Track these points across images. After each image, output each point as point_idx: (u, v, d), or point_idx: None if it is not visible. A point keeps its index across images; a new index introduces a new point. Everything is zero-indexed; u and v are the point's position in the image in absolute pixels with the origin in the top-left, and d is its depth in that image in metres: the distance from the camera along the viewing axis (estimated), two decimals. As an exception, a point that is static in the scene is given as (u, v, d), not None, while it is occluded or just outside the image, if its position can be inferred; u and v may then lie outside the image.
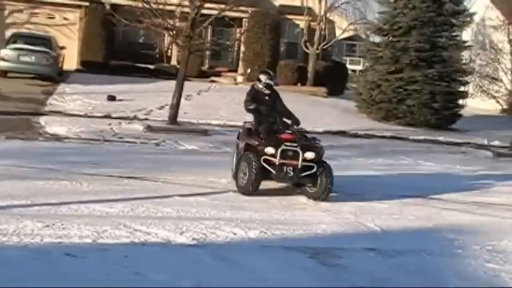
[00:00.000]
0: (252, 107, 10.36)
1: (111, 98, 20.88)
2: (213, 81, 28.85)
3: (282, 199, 9.90)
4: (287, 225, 8.20)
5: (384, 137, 20.32)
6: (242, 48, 29.97)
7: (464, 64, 22.42)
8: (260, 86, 10.54)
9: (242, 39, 28.11)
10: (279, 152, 9.69)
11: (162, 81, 24.54)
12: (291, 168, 9.77)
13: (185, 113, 19.04)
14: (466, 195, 11.68)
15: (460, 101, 23.56)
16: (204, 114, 20.37)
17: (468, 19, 23.78)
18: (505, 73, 19.15)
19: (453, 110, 23.09)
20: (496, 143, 20.06)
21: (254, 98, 10.44)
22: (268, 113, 10.38)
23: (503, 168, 16.11)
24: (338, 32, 34.80)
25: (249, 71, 29.20)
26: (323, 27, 30.84)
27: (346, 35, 38.60)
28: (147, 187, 9.82)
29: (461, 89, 23.28)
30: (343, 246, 7.46)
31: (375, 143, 18.90)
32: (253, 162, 9.65)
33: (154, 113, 19.58)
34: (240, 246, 7.05)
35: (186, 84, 18.49)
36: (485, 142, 19.91)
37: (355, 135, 20.04)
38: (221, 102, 22.91)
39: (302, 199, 9.99)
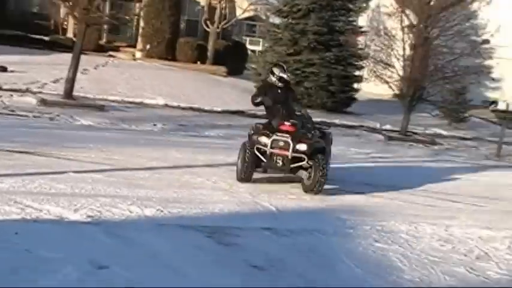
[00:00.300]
0: (257, 100, 10.41)
1: (2, 69, 20.06)
2: (111, 56, 28.25)
3: (180, 177, 9.85)
4: (184, 203, 8.17)
5: (282, 117, 20.56)
6: (141, 23, 29.46)
7: (360, 49, 22.97)
8: (273, 79, 10.51)
9: (141, 14, 27.60)
10: (269, 141, 9.85)
11: (57, 54, 23.79)
12: (281, 158, 9.87)
13: (81, 87, 18.56)
14: (359, 177, 12.03)
15: (355, 85, 24.16)
16: (101, 89, 19.93)
17: (364, 5, 24.41)
18: (398, 59, 19.76)
19: (348, 93, 23.67)
20: (388, 126, 20.76)
21: (265, 92, 10.45)
22: (280, 106, 10.37)
23: (394, 151, 16.71)
24: (239, 12, 34.83)
25: (148, 47, 28.79)
26: (224, 5, 30.76)
27: (246, 15, 38.71)
28: (40, 162, 9.51)
29: (357, 73, 23.88)
30: (240, 226, 7.52)
31: (273, 124, 19.09)
32: (247, 151, 9.94)
33: (48, 87, 18.97)
34: (135, 224, 6.97)
35: (83, 58, 18.00)
36: (378, 126, 20.56)
37: (254, 116, 20.16)
38: (119, 77, 22.48)
39: (199, 179, 9.97)
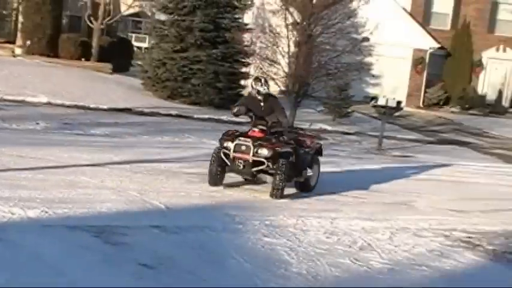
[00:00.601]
0: (234, 110, 10.73)
1: None
2: (-12, 52, 27.06)
3: (65, 177, 9.58)
4: (70, 203, 7.96)
5: (170, 115, 20.46)
6: (21, 18, 28.41)
7: (246, 46, 23.17)
8: (253, 92, 10.70)
9: (20, 9, 26.60)
10: (233, 145, 10.11)
11: None
12: (242, 161, 10.11)
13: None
14: (246, 172, 12.13)
15: (242, 82, 24.35)
16: (-22, 86, 19.04)
17: (249, 2, 24.66)
18: (283, 56, 20.07)
19: (236, 90, 23.82)
20: (275, 123, 21.06)
21: (247, 104, 10.72)
22: (261, 117, 10.54)
23: (281, 147, 16.94)
24: (123, 8, 34.27)
25: (28, 43, 27.81)
26: (108, 1, 30.17)
27: (131, 11, 38.17)
28: None
29: (243, 70, 24.07)
30: (128, 224, 7.42)
31: (160, 121, 18.97)
32: (214, 155, 10.35)
33: None
34: (18, 226, 6.74)
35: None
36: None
37: (141, 113, 19.97)
38: (-3, 75, 21.57)
39: (85, 178, 9.74)
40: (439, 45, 32.90)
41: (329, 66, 20.17)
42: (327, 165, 14.30)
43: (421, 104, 32.62)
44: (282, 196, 10.12)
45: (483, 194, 13.00)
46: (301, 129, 11.96)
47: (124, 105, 20.54)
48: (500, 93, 33.36)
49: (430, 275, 7.21)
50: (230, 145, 10.20)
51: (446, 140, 23.97)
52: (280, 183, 9.99)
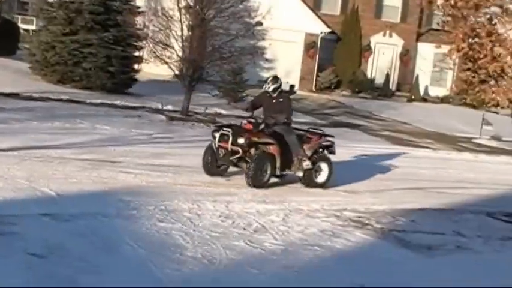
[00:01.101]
0: (244, 106, 11.97)
1: None
2: None
3: None
4: (-47, 193, 7.62)
5: (60, 100, 19.86)
6: None
7: (138, 29, 22.79)
8: (268, 89, 11.23)
9: None
10: (217, 135, 10.83)
11: None
12: (223, 150, 10.79)
13: None
14: (141, 158, 12.00)
15: (136, 66, 23.97)
16: None
17: (140, -16, 24.23)
18: (176, 40, 19.91)
19: (129, 74, 23.41)
20: (170, 107, 20.92)
21: (258, 100, 11.61)
22: (270, 113, 11.09)
23: (176, 131, 16.88)
24: (9, -12, 32.88)
25: None
26: (-8, -19, 28.87)
27: (18, -8, 36.67)
28: None
29: (137, 53, 23.69)
30: (16, 213, 7.21)
31: (50, 106, 18.38)
32: (207, 146, 11.06)
33: None
34: None
35: None
36: (160, 106, 20.64)
37: (30, 98, 19.27)
38: None
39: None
40: (329, 30, 33.61)
41: (223, 50, 20.20)
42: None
43: (313, 88, 33.26)
44: (259, 185, 10.53)
45: (372, 174, 13.45)
46: (316, 129, 12.45)
47: (11, 90, 19.75)
48: (387, 76, 34.53)
49: (321, 255, 7.41)
50: (216, 135, 10.87)
51: (338, 122, 24.59)
52: (251, 171, 10.47)
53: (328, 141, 11.78)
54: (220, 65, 20.73)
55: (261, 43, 23.59)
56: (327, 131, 21.72)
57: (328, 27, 33.52)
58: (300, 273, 6.65)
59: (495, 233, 9.56)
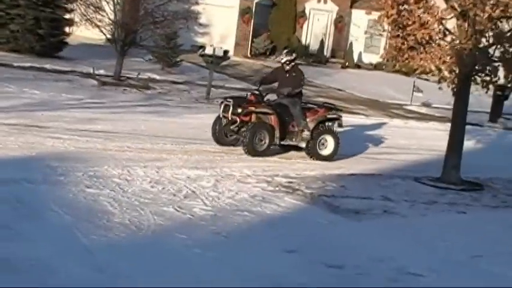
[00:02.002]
0: (260, 80, 12.40)
1: None
2: None
3: None
4: None
5: (-14, 63, 19.24)
6: None
7: (69, -9, 22.17)
8: (281, 61, 11.85)
9: None
10: (222, 106, 11.42)
11: None
12: (225, 120, 11.37)
13: None
14: (71, 123, 11.78)
15: (66, 29, 23.35)
16: None
17: None
18: (108, 2, 19.45)
19: (59, 37, 22.78)
20: (102, 71, 20.51)
21: (273, 74, 12.31)
22: (283, 87, 11.64)
23: (108, 96, 16.60)
24: None
25: None
26: None
27: None
28: None
29: (67, 16, 23.05)
30: None
31: (-24, 70, 17.80)
32: (216, 116, 11.60)
33: None
34: None
35: None
36: (91, 71, 20.21)
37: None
38: None
39: None
40: (265, -5, 33.49)
41: (156, 14, 19.85)
42: (155, 115, 14.27)
43: (248, 54, 33.12)
44: (254, 152, 11.02)
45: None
46: (328, 103, 12.98)
47: None
48: (322, 43, 34.66)
49: (251, 220, 7.46)
50: (221, 106, 11.45)
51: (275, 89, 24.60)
52: (246, 139, 11.00)
53: (336, 114, 12.13)
54: (153, 29, 20.39)
55: (195, 7, 23.30)
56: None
57: (264, -8, 33.39)
58: (228, 238, 6.68)
59: (421, 198, 9.80)
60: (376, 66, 33.33)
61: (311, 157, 11.65)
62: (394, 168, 11.91)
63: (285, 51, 12.14)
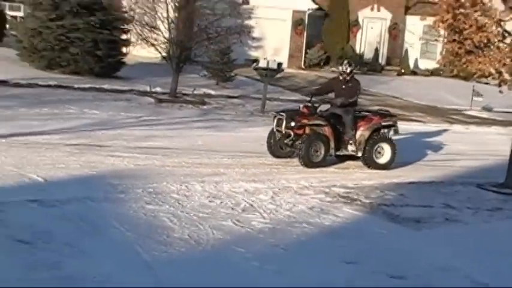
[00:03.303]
0: (312, 91, 12.66)
1: None
2: None
3: None
4: None
5: (49, 85, 19.76)
6: None
7: (125, 12, 22.63)
8: (340, 74, 11.89)
9: None
10: (275, 120, 11.49)
11: None
12: (279, 133, 11.44)
13: None
14: (129, 141, 11.99)
15: (123, 49, 23.85)
16: None
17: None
18: (162, 21, 19.79)
19: (117, 57, 23.27)
20: (158, 89, 20.84)
21: (329, 85, 12.47)
22: (338, 97, 11.72)
23: (165, 113, 16.84)
24: (-6, -25, 32.56)
25: None
26: (-24, -32, 28.56)
27: (2, -22, 36.31)
28: None
29: (124, 37, 23.54)
30: (3, 200, 7.19)
31: (39, 92, 18.29)
32: (270, 130, 11.69)
33: None
34: None
35: None
36: (148, 89, 20.56)
37: (18, 85, 19.17)
38: None
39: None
40: (317, 6, 33.41)
41: (209, 31, 20.09)
42: (211, 130, 14.41)
43: (302, 65, 33.14)
44: (310, 164, 11.01)
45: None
46: (382, 110, 12.94)
47: (-1, 77, 19.65)
48: (376, 51, 34.40)
49: (310, 231, 7.44)
50: (275, 120, 11.53)
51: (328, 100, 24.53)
52: (301, 152, 11.00)
53: (391, 120, 12.04)
54: (207, 45, 20.63)
55: (248, 22, 23.44)
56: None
57: (315, 3, 33.33)
58: (287, 251, 6.68)
59: (484, 204, 9.60)
60: (433, 72, 32.87)
61: (368, 166, 11.55)
62: (455, 175, 11.71)
63: (346, 61, 12.18)
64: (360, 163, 11.80)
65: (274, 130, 11.54)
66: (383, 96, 26.96)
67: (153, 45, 19.96)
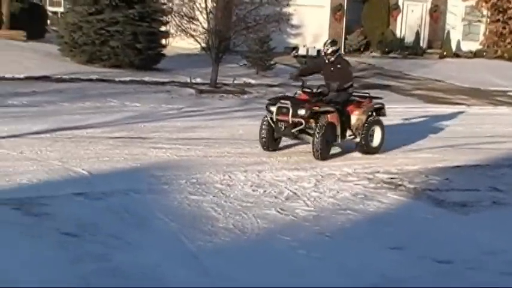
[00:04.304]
0: (293, 75, 11.68)
1: None
2: None
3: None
4: (-14, 178, 7.76)
5: (90, 80, 20.00)
6: None
7: (163, 4, 22.74)
8: (324, 55, 11.06)
9: None
10: (275, 108, 10.43)
11: None
12: (283, 123, 10.43)
13: None
14: (172, 133, 12.06)
15: (163, 41, 23.98)
16: None
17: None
18: (201, 12, 19.82)
19: (156, 49, 23.41)
20: (198, 80, 20.91)
21: (312, 67, 11.77)
22: (329, 81, 10.86)
23: (206, 104, 16.90)
24: (34, -28, 32.93)
25: None
26: (16, -34, 28.95)
27: (42, -25, 36.78)
28: None
29: (163, 28, 23.67)
30: (50, 194, 7.30)
31: (81, 87, 18.52)
32: (263, 120, 10.66)
33: None
34: None
35: None
36: (188, 80, 20.64)
37: (60, 80, 19.44)
38: None
39: (3, 150, 9.47)
40: (356, -9, 33.13)
41: (248, 19, 20.04)
42: (252, 119, 14.38)
43: (342, 51, 32.92)
44: (325, 157, 10.29)
45: (405, 135, 13.31)
46: (366, 92, 11.88)
47: (41, 73, 19.94)
48: (417, 34, 33.92)
49: (354, 218, 7.38)
50: (273, 108, 10.50)
51: (368, 84, 24.32)
52: (319, 144, 10.16)
53: (379, 103, 11.57)
54: (246, 34, 20.60)
55: (286, 9, 23.30)
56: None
57: (354, -12, 33.03)
58: (332, 238, 6.64)
59: (532, 186, 9.39)
60: (476, 54, 32.29)
61: (364, 151, 10.99)
62: (501, 158, 11.49)
63: (329, 41, 11.32)
64: (403, 149, 11.67)
65: (274, 120, 10.51)
66: (425, 80, 26.60)
67: (192, 36, 20.03)
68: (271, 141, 10.77)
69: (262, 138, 10.76)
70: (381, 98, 11.81)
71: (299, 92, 11.02)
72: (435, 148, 12.05)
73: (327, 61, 11.00)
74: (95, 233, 6.16)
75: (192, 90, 19.24)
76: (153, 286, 5.12)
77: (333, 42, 11.18)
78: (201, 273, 5.46)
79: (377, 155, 11.16)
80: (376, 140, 11.27)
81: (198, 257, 5.80)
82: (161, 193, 7.80)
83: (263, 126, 10.70)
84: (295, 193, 8.22)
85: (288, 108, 10.34)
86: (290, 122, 10.37)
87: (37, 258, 5.46)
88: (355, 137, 10.96)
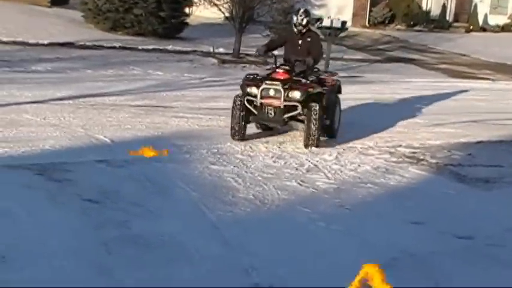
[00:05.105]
0: (260, 51, 9.77)
1: None
2: None
3: (6, 116, 9.36)
4: (11, 143, 7.83)
5: (113, 47, 20.04)
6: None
7: (188, -28, 22.66)
8: (293, 27, 9.59)
9: None
10: (259, 91, 8.92)
11: None
12: (272, 108, 8.97)
13: None
14: (193, 102, 12.07)
15: (186, 10, 23.91)
16: None
17: None
18: (225, -18, 19.75)
19: (180, 18, 23.37)
20: (221, 50, 20.86)
21: (279, 41, 9.98)
22: (297, 56, 9.42)
23: (228, 74, 16.86)
24: None
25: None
26: None
27: None
28: None
29: (187, -3, 23.60)
30: (72, 160, 7.35)
31: (104, 54, 18.57)
32: (237, 104, 9.03)
33: None
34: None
35: None
36: (211, 50, 20.59)
37: (83, 47, 19.50)
38: None
39: (27, 116, 9.54)
40: (382, -37, 32.73)
41: (272, -11, 19.88)
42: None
43: (366, 24, 32.61)
44: (318, 145, 9.03)
45: (428, 109, 13.20)
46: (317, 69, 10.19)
47: (65, 39, 20.01)
48: (444, 7, 33.51)
49: (375, 192, 7.35)
50: (255, 91, 8.98)
51: (392, 58, 24.11)
52: (316, 131, 8.91)
53: (338, 80, 10.13)
54: (270, 4, 20.47)
55: (311, -20, 23.04)
56: (381, 66, 21.44)
57: (381, -41, 32.63)
58: (352, 211, 6.63)
59: (556, 164, 9.28)
60: (504, 28, 31.86)
61: (328, 132, 9.71)
62: (525, 134, 11.36)
63: (302, 9, 9.67)
64: (426, 123, 11.57)
65: (257, 103, 9.00)
66: (449, 54, 26.32)
67: (215, 5, 19.95)
68: (243, 128, 9.21)
69: (235, 124, 9.13)
70: (336, 74, 10.68)
71: (279, 70, 9.22)
72: (458, 123, 11.93)
73: (296, 32, 9.60)
74: (116, 201, 6.20)
75: (214, 60, 19.22)
76: (173, 254, 5.14)
77: (307, 12, 9.67)
78: (220, 243, 5.48)
79: (399, 129, 11.08)
80: (336, 120, 9.92)
81: (218, 227, 5.81)
82: (182, 162, 7.81)
83: (236, 111, 9.10)
84: (316, 165, 8.19)
85: (277, 90, 8.90)
86: (282, 106, 8.97)
87: (60, 224, 5.52)
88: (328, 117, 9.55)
